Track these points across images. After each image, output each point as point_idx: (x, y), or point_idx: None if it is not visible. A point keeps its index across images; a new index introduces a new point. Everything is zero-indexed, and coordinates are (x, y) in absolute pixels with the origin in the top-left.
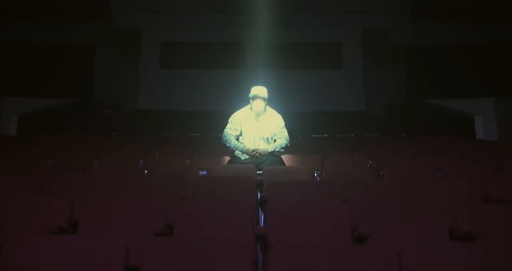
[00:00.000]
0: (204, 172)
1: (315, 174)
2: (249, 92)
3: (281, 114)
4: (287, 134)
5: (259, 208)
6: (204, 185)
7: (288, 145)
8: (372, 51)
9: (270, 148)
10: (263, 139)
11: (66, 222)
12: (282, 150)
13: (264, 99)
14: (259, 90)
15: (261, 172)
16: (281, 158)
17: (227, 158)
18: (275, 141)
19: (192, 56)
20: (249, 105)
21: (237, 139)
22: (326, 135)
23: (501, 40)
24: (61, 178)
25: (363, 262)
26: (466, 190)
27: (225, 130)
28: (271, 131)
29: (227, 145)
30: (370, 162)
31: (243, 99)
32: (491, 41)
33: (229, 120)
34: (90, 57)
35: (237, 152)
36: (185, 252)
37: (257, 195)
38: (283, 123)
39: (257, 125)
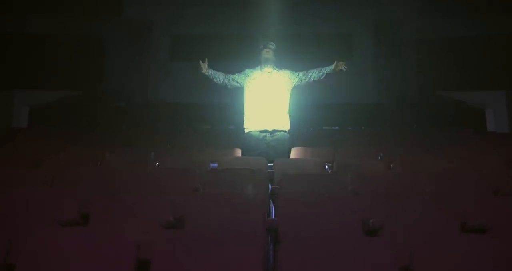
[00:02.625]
0: (215, 164)
1: (326, 166)
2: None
3: (290, 110)
4: None
5: (270, 200)
6: (214, 177)
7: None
8: (383, 44)
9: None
10: (274, 96)
11: (77, 214)
12: (325, 70)
13: (272, 49)
14: (268, 42)
15: (272, 164)
16: (288, 137)
17: (239, 150)
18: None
19: (202, 49)
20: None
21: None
22: (337, 127)
23: None
24: (72, 170)
25: (374, 255)
26: (477, 182)
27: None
28: (285, 81)
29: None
30: (381, 154)
31: None
32: (503, 33)
33: None
34: (100, 50)
35: (246, 127)
36: (195, 245)
37: (268, 187)
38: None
39: (268, 78)
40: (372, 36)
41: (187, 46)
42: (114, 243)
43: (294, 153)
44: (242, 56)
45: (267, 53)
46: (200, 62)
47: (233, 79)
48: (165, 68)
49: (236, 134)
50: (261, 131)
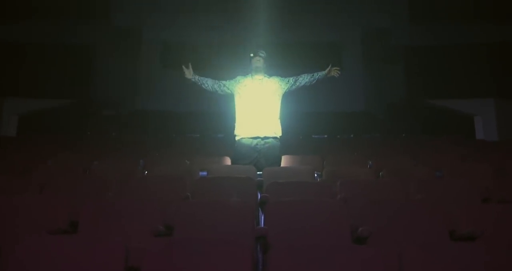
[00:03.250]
0: (204, 173)
1: (315, 175)
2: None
3: (281, 118)
4: None
5: (259, 209)
6: (204, 185)
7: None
8: (372, 51)
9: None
10: (265, 103)
11: (66, 223)
12: (317, 75)
13: (262, 57)
14: (260, 50)
15: (261, 172)
16: (279, 145)
17: (228, 159)
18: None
19: (192, 57)
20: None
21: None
22: (326, 135)
23: (501, 40)
24: (60, 178)
25: (363, 263)
26: (466, 190)
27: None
28: (276, 88)
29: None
30: (370, 162)
31: None
32: (491, 41)
33: None
34: (89, 57)
35: (237, 134)
36: (185, 253)
37: (257, 195)
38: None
39: (259, 85)
40: (361, 45)
41: (177, 53)
42: (103, 251)
43: (283, 161)
44: (233, 63)
45: (258, 61)
46: (183, 67)
47: (223, 85)
48: (154, 76)
49: (225, 142)
50: (253, 138)
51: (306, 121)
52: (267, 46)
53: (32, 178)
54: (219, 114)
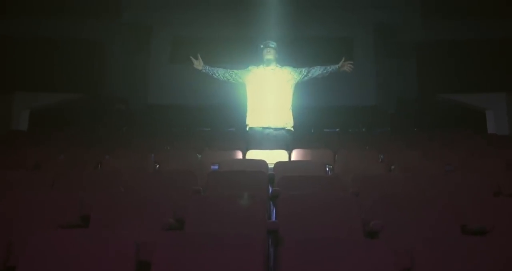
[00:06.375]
0: (216, 167)
1: (327, 169)
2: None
3: (293, 109)
4: None
5: (271, 203)
6: (215, 179)
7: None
8: (383, 46)
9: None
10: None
11: (77, 217)
12: (330, 68)
13: (273, 48)
14: (270, 41)
15: (272, 166)
16: (290, 139)
17: (239, 152)
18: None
19: (202, 51)
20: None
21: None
22: (337, 129)
23: None
24: (72, 173)
25: (374, 257)
26: (477, 184)
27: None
28: (288, 78)
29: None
30: (381, 156)
31: None
32: (503, 36)
33: None
34: (100, 53)
35: (249, 123)
36: (195, 247)
37: (268, 189)
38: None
39: (271, 74)
40: (372, 39)
41: (187, 48)
42: (114, 245)
43: (294, 155)
44: (243, 58)
45: (269, 53)
46: (192, 58)
47: (235, 74)
48: (165, 70)
49: (236, 136)
50: (264, 128)
51: (317, 115)
52: (278, 41)
53: (44, 172)
54: (230, 108)
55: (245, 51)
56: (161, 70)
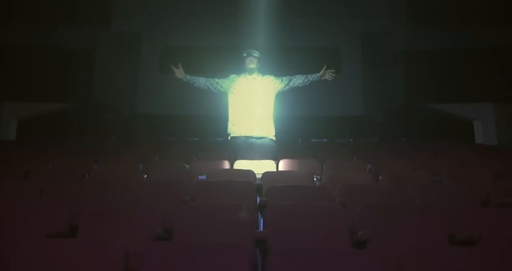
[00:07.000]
0: (204, 177)
1: (314, 178)
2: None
3: (280, 119)
4: None
5: (258, 212)
6: (203, 189)
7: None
8: (370, 56)
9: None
10: (259, 101)
11: (66, 226)
12: (311, 77)
13: (256, 57)
14: (253, 50)
15: (260, 176)
16: (275, 145)
17: (227, 163)
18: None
19: (191, 61)
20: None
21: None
22: (325, 139)
23: (500, 44)
24: (60, 182)
25: (362, 267)
26: (465, 194)
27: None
28: (269, 87)
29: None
30: (369, 166)
31: None
32: (490, 45)
33: None
34: (89, 62)
35: (231, 132)
36: (184, 256)
37: (256, 199)
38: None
39: (253, 83)
40: (359, 49)
41: (176, 58)
42: (103, 255)
43: (282, 165)
44: (231, 68)
45: (251, 62)
46: (172, 67)
47: (216, 83)
48: (154, 79)
49: (224, 146)
50: (246, 137)
51: (305, 125)
52: (266, 50)
53: (32, 181)
54: (218, 118)
55: (234, 60)
56: (150, 79)
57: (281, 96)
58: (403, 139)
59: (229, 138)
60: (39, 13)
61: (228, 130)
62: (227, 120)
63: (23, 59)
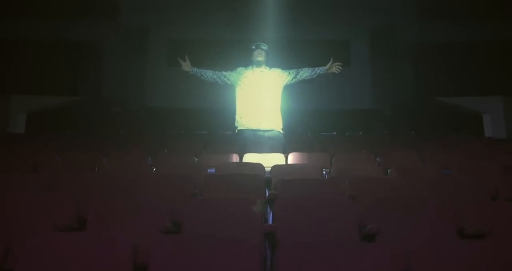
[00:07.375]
0: (213, 170)
1: (323, 172)
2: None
3: (290, 112)
4: None
5: (267, 205)
6: (212, 182)
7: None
8: (380, 49)
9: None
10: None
11: (74, 220)
12: (318, 70)
13: (264, 50)
14: (261, 43)
15: (269, 169)
16: (283, 138)
17: (236, 156)
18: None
19: (200, 54)
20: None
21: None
22: (334, 133)
23: (509, 37)
24: (69, 175)
25: (371, 260)
26: (474, 188)
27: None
28: (277, 80)
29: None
30: (378, 159)
31: None
32: (500, 38)
33: None
34: (98, 55)
35: (238, 125)
36: (193, 250)
37: (265, 192)
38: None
39: (260, 76)
40: (369, 42)
41: (184, 51)
42: (111, 248)
43: (291, 158)
44: (239, 61)
45: (259, 55)
46: (179, 60)
47: (224, 76)
48: (162, 73)
49: (233, 139)
50: (254, 130)
51: (314, 119)
52: (275, 44)
53: (41, 175)
54: (227, 111)
55: (243, 53)
56: (159, 72)
57: (290, 89)
58: (412, 132)
59: (236, 131)
60: (48, 7)
61: (235, 123)
62: (235, 114)
63: (32, 53)
